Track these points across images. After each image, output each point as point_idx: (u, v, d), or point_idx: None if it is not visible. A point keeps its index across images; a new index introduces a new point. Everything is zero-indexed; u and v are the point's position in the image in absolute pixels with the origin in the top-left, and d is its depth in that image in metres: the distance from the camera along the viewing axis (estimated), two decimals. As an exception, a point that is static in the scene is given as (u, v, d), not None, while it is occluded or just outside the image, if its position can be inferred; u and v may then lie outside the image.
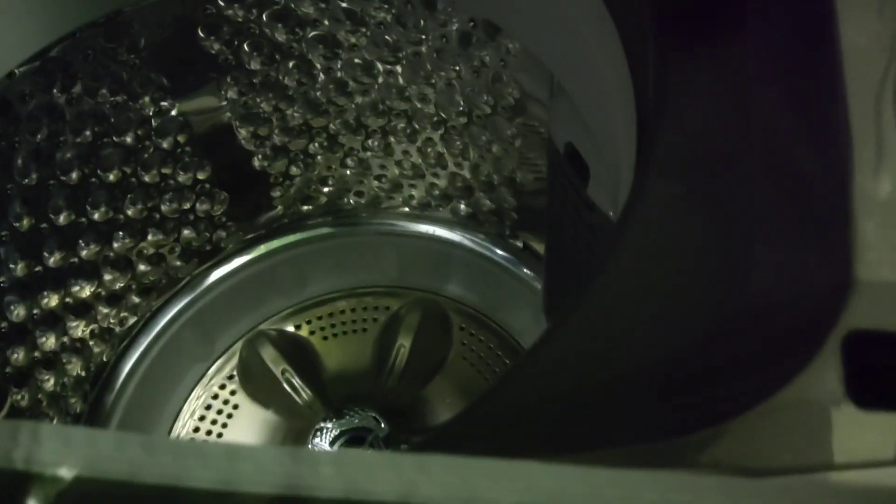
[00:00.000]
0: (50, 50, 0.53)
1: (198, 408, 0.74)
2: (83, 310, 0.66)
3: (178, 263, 0.72)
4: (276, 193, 0.73)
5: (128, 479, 0.17)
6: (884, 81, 0.24)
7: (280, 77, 0.63)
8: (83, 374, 0.68)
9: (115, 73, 0.58)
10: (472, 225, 0.75)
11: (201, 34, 0.59)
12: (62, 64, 0.54)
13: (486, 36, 0.56)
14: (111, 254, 0.66)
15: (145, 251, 0.68)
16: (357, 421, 0.69)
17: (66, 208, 0.60)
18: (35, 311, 0.61)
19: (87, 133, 0.59)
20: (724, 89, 0.29)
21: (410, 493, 0.16)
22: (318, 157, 0.71)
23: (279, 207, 0.75)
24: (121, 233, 0.66)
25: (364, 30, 0.60)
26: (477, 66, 0.59)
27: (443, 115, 0.66)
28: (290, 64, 0.63)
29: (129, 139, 0.62)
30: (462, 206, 0.74)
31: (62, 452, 0.17)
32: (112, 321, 0.69)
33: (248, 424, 0.73)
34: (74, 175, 0.60)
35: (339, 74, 0.64)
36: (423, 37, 0.59)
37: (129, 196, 0.64)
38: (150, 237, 0.68)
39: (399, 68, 0.63)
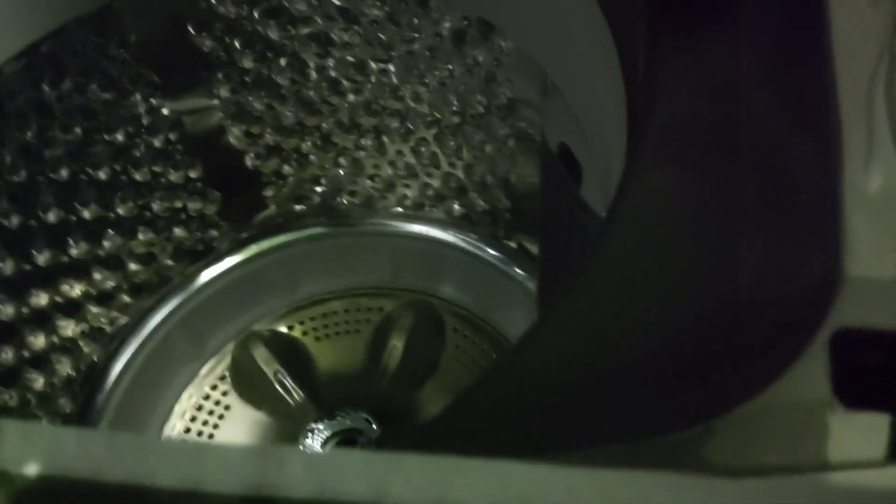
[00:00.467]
0: (39, 45, 0.52)
1: (189, 408, 0.73)
2: (73, 309, 0.65)
3: (170, 263, 0.71)
4: (269, 193, 0.73)
5: (92, 478, 0.17)
6: (875, 74, 0.24)
7: (272, 75, 0.63)
8: (73, 374, 0.67)
9: (104, 70, 0.57)
10: (466, 225, 0.75)
11: (193, 31, 0.59)
12: (51, 59, 0.54)
13: (479, 35, 0.55)
14: (101, 252, 0.65)
15: (136, 250, 0.68)
16: (349, 422, 0.69)
17: (55, 206, 0.60)
18: (24, 310, 0.61)
19: (77, 130, 0.59)
20: (714, 82, 0.28)
21: (382, 492, 0.16)
22: (311, 157, 0.71)
23: (272, 207, 0.74)
24: (111, 231, 0.65)
25: (357, 28, 0.60)
26: (470, 65, 0.58)
27: (436, 115, 0.65)
28: (283, 62, 0.62)
29: (119, 136, 0.61)
30: (456, 207, 0.74)
31: (26, 450, 0.17)
32: (102, 321, 0.69)
33: (239, 425, 0.73)
34: (64, 172, 0.59)
35: (332, 73, 0.64)
36: (417, 35, 0.58)
37: (119, 194, 0.64)
38: (141, 236, 0.67)
39: (392, 67, 0.62)
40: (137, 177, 0.64)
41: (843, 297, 0.21)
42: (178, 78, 0.61)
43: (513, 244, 0.74)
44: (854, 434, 0.20)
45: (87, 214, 0.63)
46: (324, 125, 0.68)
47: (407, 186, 0.74)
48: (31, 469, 0.17)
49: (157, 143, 0.64)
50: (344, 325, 0.78)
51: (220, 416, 0.73)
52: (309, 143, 0.70)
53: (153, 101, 0.61)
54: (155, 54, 0.58)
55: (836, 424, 0.20)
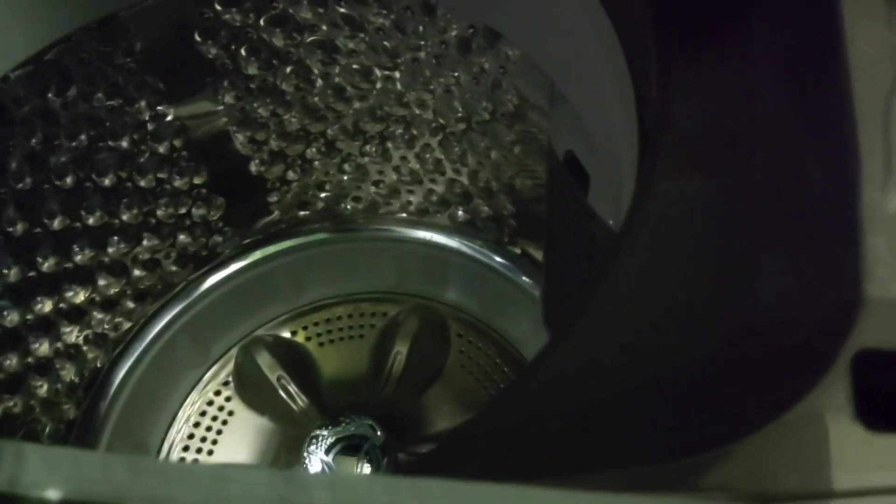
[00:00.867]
0: (45, 54, 0.52)
1: (193, 414, 0.73)
2: (77, 315, 0.65)
3: (174, 269, 0.71)
4: (273, 199, 0.73)
5: (114, 502, 0.17)
6: (891, 92, 0.24)
7: (278, 82, 0.63)
8: (77, 380, 0.67)
9: (110, 77, 0.57)
10: (471, 231, 0.75)
11: (198, 38, 0.58)
12: (57, 68, 0.54)
13: (485, 42, 0.55)
14: (106, 259, 0.65)
15: (140, 256, 0.68)
16: (353, 429, 0.69)
17: (60, 213, 0.60)
18: (28, 317, 0.61)
19: (83, 137, 0.58)
20: (728, 98, 0.28)
21: (406, 518, 0.16)
22: (316, 163, 0.71)
23: (276, 213, 0.74)
24: (116, 238, 0.65)
25: (362, 35, 0.59)
26: (476, 73, 0.58)
27: (441, 122, 0.65)
28: (288, 69, 0.62)
29: (124, 143, 0.61)
30: (460, 213, 0.74)
31: (47, 474, 0.17)
32: (106, 327, 0.69)
33: (243, 431, 0.73)
34: (69, 179, 0.59)
35: (337, 80, 0.64)
36: (423, 43, 0.58)
37: (124, 201, 0.64)
38: (145, 242, 0.67)
39: (398, 74, 0.62)
40: (142, 183, 0.64)
41: (863, 318, 0.21)
42: (184, 85, 0.61)
43: (517, 250, 0.74)
44: (877, 457, 0.20)
45: (91, 221, 0.62)
46: (328, 131, 0.68)
47: (411, 192, 0.74)
48: (53, 494, 0.17)
49: (161, 149, 0.63)
50: (348, 331, 0.77)
51: (224, 422, 0.73)
52: (314, 150, 0.69)
53: (158, 108, 0.61)
54: (160, 62, 0.58)
55: (858, 447, 0.20)
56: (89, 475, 0.17)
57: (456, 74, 0.60)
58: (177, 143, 0.64)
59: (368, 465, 0.67)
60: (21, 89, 0.52)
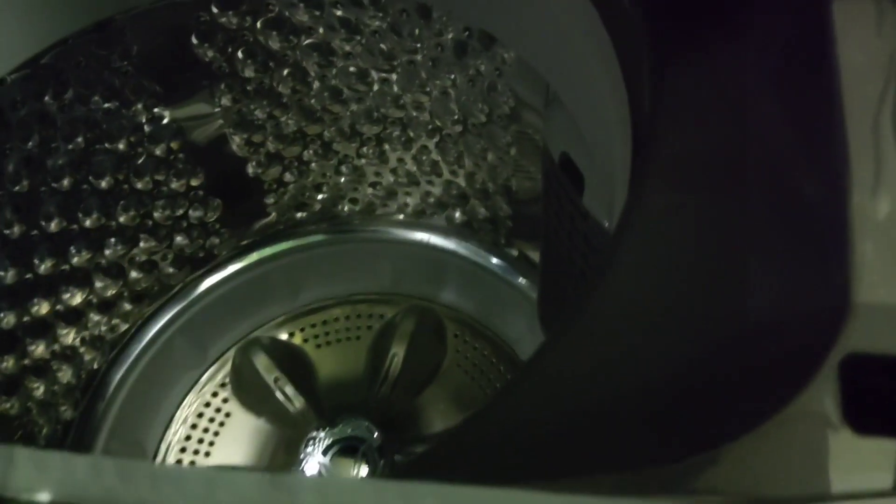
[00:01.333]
0: (41, 57, 0.52)
1: (190, 415, 0.73)
2: (74, 317, 0.65)
3: (171, 270, 0.71)
4: (270, 200, 0.73)
5: (105, 506, 0.17)
6: (882, 99, 0.24)
7: (274, 84, 0.63)
8: (74, 381, 0.67)
9: (107, 80, 0.57)
10: (467, 233, 0.75)
11: (195, 41, 0.59)
12: (54, 71, 0.54)
13: (481, 45, 0.55)
14: (103, 261, 0.65)
15: (137, 258, 0.68)
16: (350, 430, 0.69)
17: (57, 215, 0.60)
18: (25, 319, 0.61)
19: (79, 140, 0.59)
20: (720, 104, 0.28)
21: (395, 522, 0.16)
22: (313, 165, 0.71)
23: (273, 214, 0.74)
24: (113, 240, 0.65)
25: (359, 38, 0.59)
26: (472, 75, 0.58)
27: (438, 124, 0.65)
28: (285, 71, 0.62)
29: (121, 146, 0.61)
30: (457, 214, 0.74)
31: (38, 478, 0.17)
32: (103, 328, 0.69)
33: (240, 433, 0.73)
34: (66, 182, 0.59)
35: (333, 82, 0.64)
36: (418, 45, 0.58)
37: (121, 203, 0.64)
38: (142, 244, 0.67)
39: (394, 76, 0.62)
40: (139, 185, 0.64)
41: (852, 322, 0.21)
42: (180, 88, 0.61)
43: (514, 251, 0.74)
44: (864, 460, 0.20)
45: (88, 223, 0.62)
46: (325, 133, 0.68)
47: (408, 194, 0.74)
48: (44, 497, 0.17)
49: (158, 151, 0.64)
50: (345, 332, 0.78)
51: (221, 424, 0.73)
52: (310, 152, 0.70)
53: (155, 110, 0.61)
54: (157, 65, 0.58)
55: (846, 451, 0.20)
56: (80, 478, 0.17)
57: (452, 77, 0.60)
58: (174, 145, 0.64)
59: (365, 466, 0.67)
60: (18, 93, 0.52)
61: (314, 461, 0.67)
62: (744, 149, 0.25)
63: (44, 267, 0.61)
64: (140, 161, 0.63)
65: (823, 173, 0.24)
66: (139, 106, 0.60)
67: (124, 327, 0.71)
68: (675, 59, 0.30)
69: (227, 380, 0.75)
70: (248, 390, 0.74)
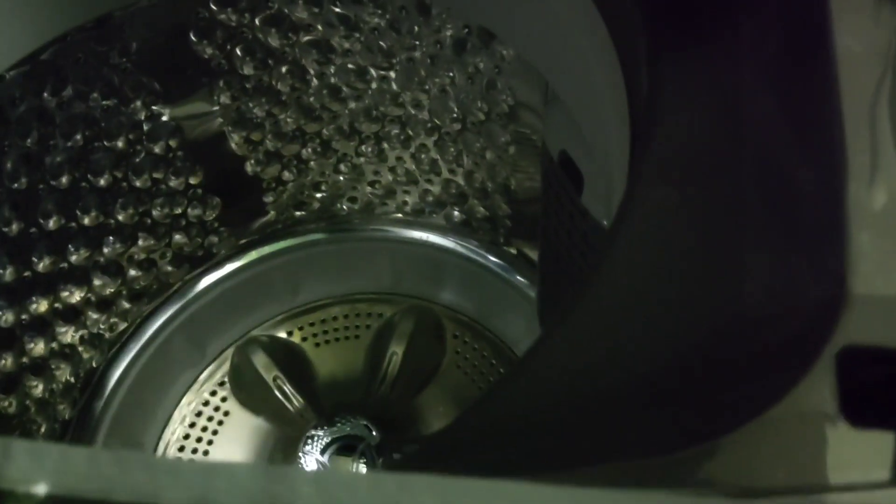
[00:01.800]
0: (40, 53, 0.52)
1: (188, 414, 0.73)
2: (72, 315, 0.65)
3: (170, 269, 0.71)
4: (269, 199, 0.73)
5: (101, 497, 0.17)
6: (879, 89, 0.24)
7: (273, 82, 0.63)
8: (72, 380, 0.67)
9: (106, 77, 0.57)
10: (466, 232, 0.75)
11: (194, 38, 0.59)
12: (53, 68, 0.54)
13: (480, 42, 0.55)
14: (101, 259, 0.65)
15: (136, 256, 0.68)
16: (349, 429, 0.69)
17: (55, 213, 0.60)
18: (23, 317, 0.61)
19: (78, 137, 0.58)
20: (717, 96, 0.28)
21: (392, 512, 0.16)
22: (312, 163, 0.71)
23: (272, 213, 0.74)
24: (111, 238, 0.65)
25: (358, 35, 0.59)
26: (471, 73, 0.58)
27: (437, 122, 0.65)
28: (284, 69, 0.62)
29: (120, 143, 0.61)
30: (456, 213, 0.74)
31: (34, 469, 0.17)
32: (102, 327, 0.69)
33: (238, 431, 0.73)
34: (64, 179, 0.59)
35: (332, 80, 0.64)
36: (418, 43, 0.58)
37: (119, 201, 0.64)
38: (141, 242, 0.67)
39: (393, 74, 0.62)
40: (138, 183, 0.64)
41: (848, 314, 0.21)
42: (179, 85, 0.61)
43: (513, 250, 0.74)
44: (861, 453, 0.20)
45: (87, 221, 0.62)
46: (324, 132, 0.68)
47: (407, 193, 0.74)
48: (40, 489, 0.17)
49: (157, 149, 0.64)
50: (344, 331, 0.78)
51: (220, 422, 0.73)
52: (309, 150, 0.70)
53: (154, 108, 0.61)
54: (156, 62, 0.58)
55: (842, 443, 0.20)
56: (76, 469, 0.17)
57: (451, 74, 0.60)
58: (172, 143, 0.64)
59: (364, 465, 0.67)
60: (16, 89, 0.52)
61: (313, 460, 0.67)
62: (740, 141, 0.25)
63: (42, 265, 0.60)
64: (139, 159, 0.63)
65: (820, 163, 0.24)
66: (138, 103, 0.60)
67: (123, 326, 0.71)
68: (672, 55, 0.30)
69: (226, 378, 0.75)
70: (247, 389, 0.74)
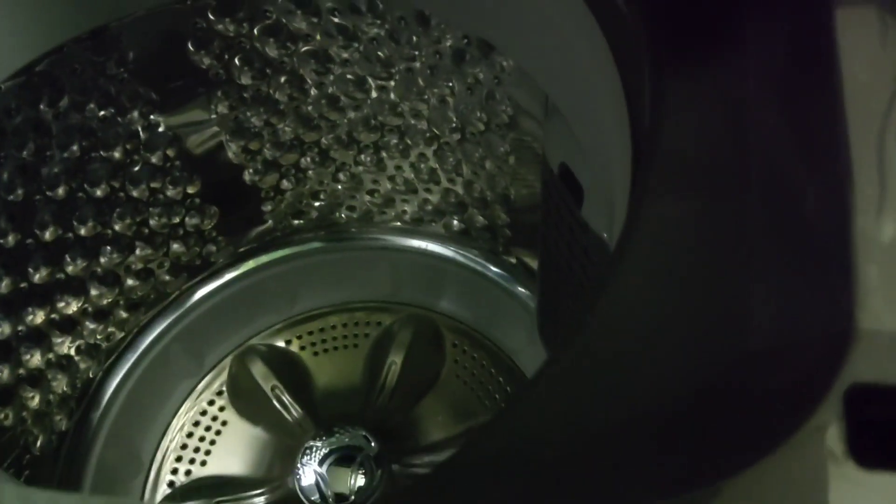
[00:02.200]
0: (36, 64, 0.52)
1: (186, 424, 0.73)
2: (69, 326, 0.65)
3: (167, 278, 0.71)
4: (267, 208, 0.72)
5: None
6: (887, 116, 0.23)
7: (271, 91, 0.63)
8: (69, 391, 0.67)
9: (102, 88, 0.57)
10: (465, 240, 0.75)
11: (191, 48, 0.58)
12: (49, 78, 0.53)
13: (479, 53, 0.55)
14: (98, 269, 0.65)
15: (133, 266, 0.68)
16: (347, 439, 0.68)
17: (52, 223, 0.59)
18: (20, 328, 0.60)
19: (75, 148, 0.58)
20: (721, 117, 0.28)
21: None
22: (310, 172, 0.70)
23: (270, 222, 0.74)
24: (108, 247, 0.65)
25: (356, 45, 0.59)
26: (471, 83, 0.58)
27: (436, 131, 0.65)
28: (282, 79, 0.62)
29: (117, 154, 0.61)
30: (455, 222, 0.73)
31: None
32: (99, 337, 0.68)
33: (236, 441, 0.72)
34: (61, 190, 0.59)
35: (331, 89, 0.63)
36: (417, 53, 0.58)
37: (116, 211, 0.63)
38: (138, 252, 0.67)
39: (392, 84, 0.62)
40: (135, 193, 0.64)
41: (856, 350, 0.21)
42: (177, 95, 0.61)
43: (512, 259, 0.74)
44: (868, 495, 0.19)
45: (84, 232, 0.62)
46: (323, 141, 0.68)
47: (406, 202, 0.73)
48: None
49: (154, 159, 0.63)
50: (342, 340, 0.77)
51: (218, 432, 0.73)
52: (308, 159, 0.69)
53: (151, 118, 0.61)
54: (153, 72, 0.58)
55: (850, 485, 0.19)
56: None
57: (450, 84, 0.59)
58: (170, 152, 0.64)
59: (362, 476, 0.67)
60: (12, 100, 0.52)
61: (311, 471, 0.67)
62: (746, 165, 0.25)
63: (38, 276, 0.60)
64: (136, 169, 0.62)
65: (826, 193, 0.23)
66: (135, 113, 0.60)
67: (120, 336, 0.70)
68: (674, 70, 0.30)
69: (224, 388, 0.74)
70: (245, 398, 0.73)
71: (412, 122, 0.65)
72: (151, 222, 0.66)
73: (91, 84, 0.56)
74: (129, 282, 0.68)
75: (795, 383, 0.21)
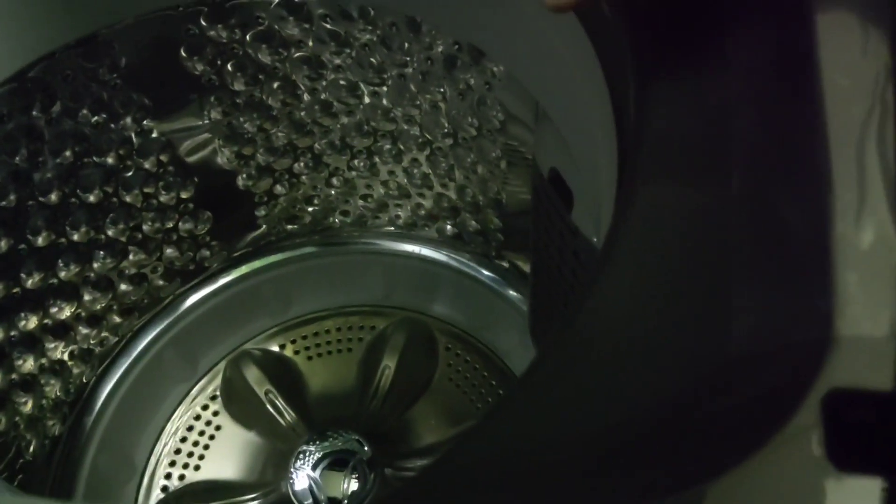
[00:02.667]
0: (29, 70, 0.52)
1: (180, 428, 0.73)
2: (62, 331, 0.65)
3: (161, 283, 0.71)
4: (261, 213, 0.73)
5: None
6: (867, 123, 0.24)
7: (264, 97, 0.63)
8: (62, 395, 0.67)
9: (95, 94, 0.57)
10: (458, 245, 0.75)
11: (184, 54, 0.58)
12: (41, 84, 0.53)
13: (470, 59, 0.55)
14: (91, 274, 0.65)
15: (127, 271, 0.68)
16: (340, 444, 0.68)
17: (45, 229, 0.60)
18: (12, 334, 0.60)
19: (67, 153, 0.58)
20: (703, 122, 0.28)
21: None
22: (304, 177, 0.70)
23: (264, 226, 0.74)
24: (101, 252, 0.65)
25: (349, 51, 0.59)
26: (462, 89, 0.58)
27: (428, 137, 0.65)
28: (275, 84, 0.62)
29: (110, 159, 0.61)
30: (448, 227, 0.74)
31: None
32: (92, 342, 0.68)
33: (230, 446, 0.72)
34: (54, 196, 0.59)
35: (323, 95, 0.63)
36: (408, 59, 0.58)
37: (110, 216, 0.63)
38: (131, 257, 0.67)
39: (384, 89, 0.62)
40: (128, 199, 0.64)
41: (835, 356, 0.21)
42: (170, 100, 0.61)
43: (504, 263, 0.74)
44: (847, 499, 0.20)
45: (77, 237, 0.62)
46: (316, 146, 0.68)
47: (399, 206, 0.74)
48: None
49: (147, 165, 0.63)
50: (336, 344, 0.77)
51: (211, 437, 0.73)
52: (301, 164, 0.69)
53: (144, 123, 0.61)
54: (146, 78, 0.58)
55: (828, 489, 0.20)
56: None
57: (442, 90, 0.60)
58: (163, 158, 0.64)
59: (355, 480, 0.67)
60: (4, 106, 0.52)
61: (304, 475, 0.67)
62: (728, 171, 0.25)
63: (31, 281, 0.60)
64: (129, 174, 0.63)
65: (806, 199, 0.23)
66: (128, 119, 0.60)
67: (113, 340, 0.70)
68: (658, 77, 0.30)
69: (218, 392, 0.74)
70: (239, 403, 0.73)
71: (405, 127, 0.65)
72: (145, 227, 0.66)
73: (84, 90, 0.56)
74: (123, 287, 0.68)
75: (775, 388, 0.22)
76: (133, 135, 0.61)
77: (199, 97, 0.62)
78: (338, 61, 0.60)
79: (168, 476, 0.71)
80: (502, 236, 0.71)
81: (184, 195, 0.67)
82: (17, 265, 0.59)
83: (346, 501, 0.66)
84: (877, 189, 0.23)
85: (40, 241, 0.59)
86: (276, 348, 0.77)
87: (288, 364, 0.76)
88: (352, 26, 0.57)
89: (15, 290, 0.59)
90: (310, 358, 0.77)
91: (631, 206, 0.27)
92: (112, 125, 0.59)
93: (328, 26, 0.58)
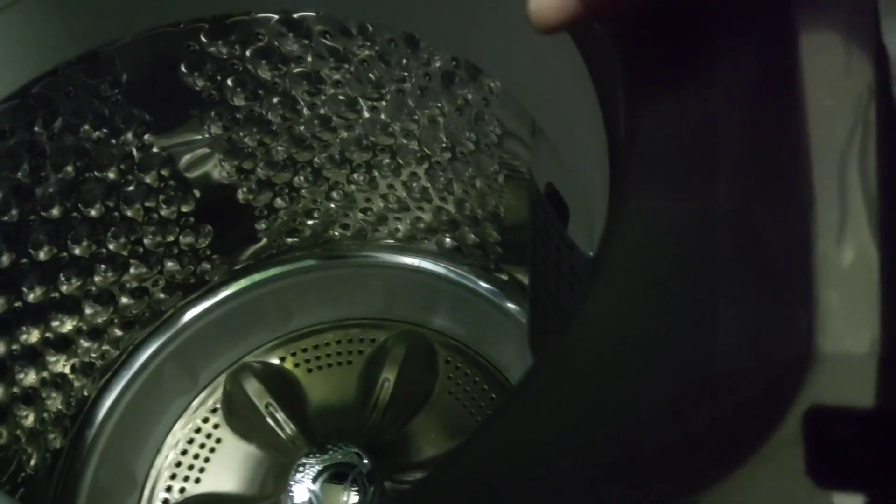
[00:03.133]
0: (31, 87, 0.52)
1: (180, 441, 0.73)
2: (64, 344, 0.65)
3: (162, 296, 0.72)
4: (261, 226, 0.73)
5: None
6: (849, 143, 0.24)
7: (264, 112, 0.63)
8: (63, 409, 0.67)
9: (96, 109, 0.57)
10: (457, 258, 0.75)
11: (184, 70, 0.59)
12: (43, 100, 0.54)
13: (467, 75, 0.56)
14: (93, 288, 0.65)
15: (128, 284, 0.68)
16: (340, 456, 0.69)
17: (47, 244, 0.60)
18: (14, 347, 0.61)
19: (69, 168, 0.59)
20: (690, 140, 0.29)
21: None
22: (303, 191, 0.71)
23: (264, 240, 0.75)
24: (103, 266, 0.65)
25: (347, 66, 0.60)
26: (460, 104, 0.59)
27: (427, 151, 0.66)
28: (275, 99, 0.63)
29: (111, 174, 0.61)
30: (447, 240, 0.74)
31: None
32: (93, 355, 0.69)
33: (230, 459, 0.73)
34: (56, 210, 0.59)
35: (323, 110, 0.64)
36: (407, 74, 0.59)
37: (111, 230, 0.64)
38: (132, 270, 0.67)
39: (383, 104, 0.63)
40: (129, 213, 0.64)
41: (816, 373, 0.21)
42: (170, 116, 0.62)
43: (503, 276, 0.75)
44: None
45: (78, 251, 0.63)
46: (315, 160, 0.68)
47: (399, 220, 0.74)
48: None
49: (148, 179, 0.64)
50: (336, 357, 0.78)
51: (212, 450, 0.73)
52: (301, 178, 0.70)
53: (145, 138, 0.61)
54: (147, 94, 0.59)
55: (808, 504, 0.20)
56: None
57: (440, 105, 0.60)
58: (164, 172, 0.64)
59: (355, 493, 0.67)
60: (7, 122, 0.53)
61: (303, 488, 0.67)
62: (714, 187, 0.25)
63: (33, 295, 0.61)
64: (130, 189, 0.63)
65: (788, 216, 0.24)
66: (129, 135, 0.60)
67: (114, 354, 0.71)
68: (648, 93, 0.30)
69: (218, 405, 0.75)
70: (239, 416, 0.74)
71: (404, 141, 0.66)
72: (146, 241, 0.67)
73: (85, 106, 0.57)
74: (124, 300, 0.69)
75: (756, 404, 0.22)
76: (134, 150, 0.61)
77: (200, 112, 0.62)
78: (337, 77, 0.61)
79: (169, 489, 0.71)
80: (501, 249, 0.72)
81: (184, 209, 0.67)
82: (19, 279, 0.59)
83: (345, 514, 0.67)
84: (858, 208, 0.23)
85: (42, 255, 0.60)
86: (276, 361, 0.77)
87: (288, 377, 0.77)
88: (351, 42, 0.58)
89: (17, 304, 0.60)
90: (310, 371, 0.77)
91: (620, 221, 0.27)
92: (113, 140, 0.60)
93: (327, 42, 0.58)
